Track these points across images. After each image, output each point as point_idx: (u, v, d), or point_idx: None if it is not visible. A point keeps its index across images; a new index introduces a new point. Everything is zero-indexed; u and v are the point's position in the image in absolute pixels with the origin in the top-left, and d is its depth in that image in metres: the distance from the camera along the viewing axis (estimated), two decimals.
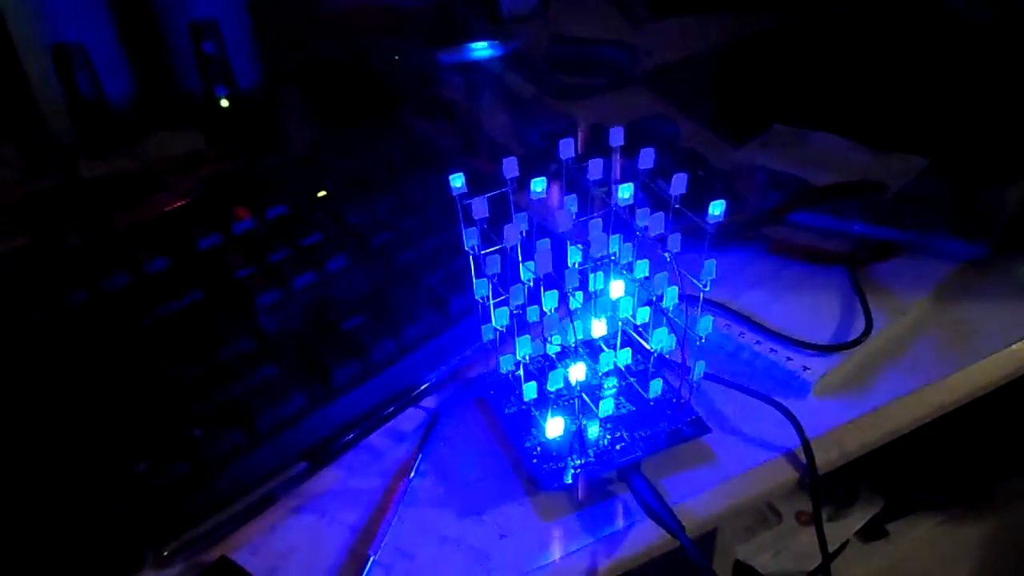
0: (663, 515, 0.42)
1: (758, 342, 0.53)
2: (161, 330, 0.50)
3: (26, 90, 0.70)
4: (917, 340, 0.54)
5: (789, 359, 0.52)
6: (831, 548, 0.70)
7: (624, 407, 0.47)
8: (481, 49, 0.87)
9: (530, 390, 0.44)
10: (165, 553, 0.41)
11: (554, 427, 0.42)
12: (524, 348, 0.44)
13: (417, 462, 0.47)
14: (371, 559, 0.41)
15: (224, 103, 0.72)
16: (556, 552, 0.42)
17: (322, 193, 0.61)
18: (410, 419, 0.50)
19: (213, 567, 0.41)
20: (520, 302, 0.42)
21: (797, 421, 0.47)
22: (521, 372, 0.46)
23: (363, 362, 0.49)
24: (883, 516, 0.76)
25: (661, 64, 0.86)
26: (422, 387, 0.50)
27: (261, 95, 0.75)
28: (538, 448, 0.45)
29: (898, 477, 0.76)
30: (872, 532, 0.73)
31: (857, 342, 0.52)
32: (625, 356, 0.48)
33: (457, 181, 0.41)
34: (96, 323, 0.50)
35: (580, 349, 0.44)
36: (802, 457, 0.47)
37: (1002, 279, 0.59)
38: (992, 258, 0.59)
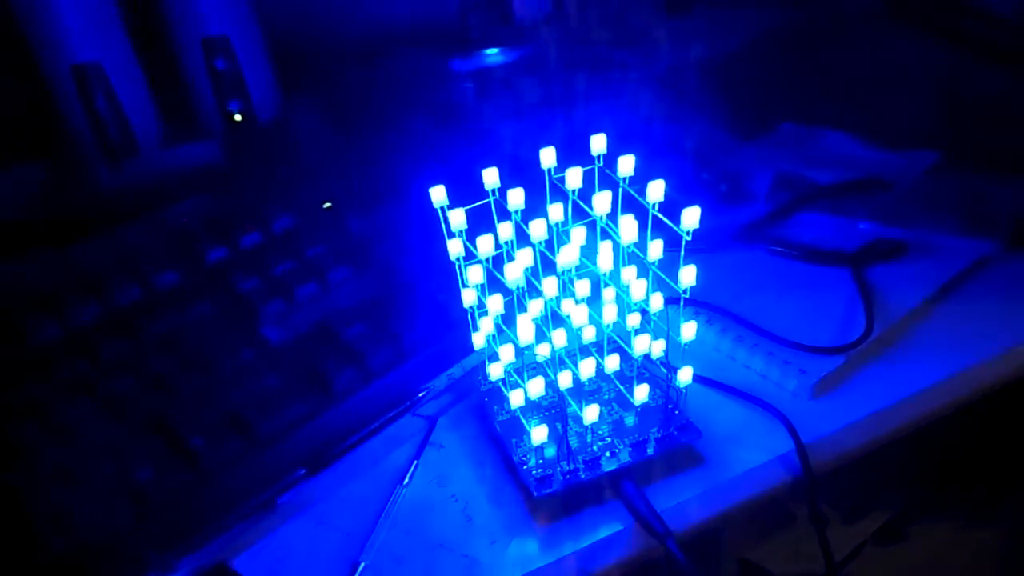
0: (650, 520, 0.43)
1: (755, 345, 0.53)
2: (167, 342, 0.52)
3: (50, 108, 0.73)
4: (922, 340, 0.54)
5: (786, 362, 0.51)
6: (845, 551, 0.69)
7: (615, 413, 0.47)
8: (493, 55, 0.88)
9: (516, 398, 0.45)
10: (166, 558, 0.43)
11: (538, 434, 0.43)
12: (508, 356, 0.44)
13: (412, 469, 0.47)
14: (362, 564, 0.42)
15: (237, 117, 0.73)
16: (545, 558, 0.43)
17: (327, 204, 0.62)
18: (408, 426, 0.50)
19: (211, 572, 0.42)
20: (499, 312, 0.42)
21: (790, 423, 0.47)
22: (509, 380, 0.46)
23: (362, 369, 0.50)
24: (901, 519, 0.75)
25: (675, 62, 0.86)
26: (420, 394, 0.51)
27: (275, 108, 0.77)
28: (528, 455, 0.45)
29: (916, 478, 0.75)
30: (889, 535, 0.72)
31: (856, 343, 0.52)
32: (613, 362, 0.48)
33: (438, 194, 0.42)
34: (106, 334, 0.52)
35: (563, 357, 0.44)
36: (798, 460, 0.47)
37: (1012, 277, 0.58)
38: (1002, 256, 0.58)
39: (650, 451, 0.45)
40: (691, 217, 0.39)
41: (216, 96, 0.74)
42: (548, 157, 0.44)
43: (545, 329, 0.42)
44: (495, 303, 0.42)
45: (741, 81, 0.78)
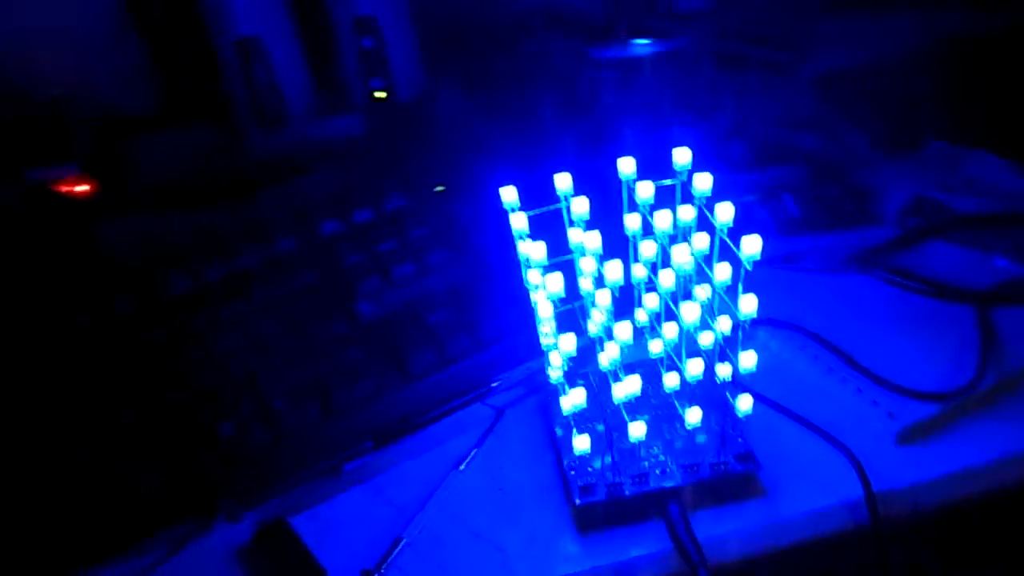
0: (687, 546, 0.42)
1: (845, 378, 0.50)
2: (270, 307, 0.56)
3: (218, 76, 0.79)
4: None
5: (875, 402, 0.48)
6: None
7: (673, 433, 0.46)
8: (641, 46, 0.86)
9: (567, 403, 0.44)
10: (235, 509, 0.47)
11: (581, 443, 0.43)
12: (565, 356, 0.44)
13: (470, 457, 0.49)
14: (403, 541, 0.44)
15: (379, 95, 0.77)
16: (573, 567, 0.43)
17: (440, 188, 0.64)
18: (477, 414, 0.52)
19: (270, 527, 0.46)
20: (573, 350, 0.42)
21: (862, 468, 0.44)
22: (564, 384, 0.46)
23: (440, 353, 0.52)
24: None
25: (831, 66, 0.81)
26: (493, 384, 0.53)
27: (417, 88, 0.79)
28: (578, 461, 0.46)
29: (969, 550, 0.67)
30: None
31: (959, 392, 0.48)
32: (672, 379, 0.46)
33: (510, 195, 0.42)
34: (223, 295, 0.57)
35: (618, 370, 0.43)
36: (865, 509, 0.44)
37: None
38: None
39: (702, 475, 0.44)
40: (753, 245, 0.37)
41: (361, 73, 0.77)
42: (628, 166, 0.43)
43: (603, 338, 0.42)
44: (545, 308, 0.42)
45: (896, 91, 0.72)
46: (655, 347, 0.47)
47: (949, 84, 0.72)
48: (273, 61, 0.77)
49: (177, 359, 0.53)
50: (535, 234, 0.43)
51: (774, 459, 0.46)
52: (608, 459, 0.45)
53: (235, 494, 0.47)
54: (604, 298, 0.40)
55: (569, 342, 0.42)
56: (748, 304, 0.39)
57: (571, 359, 0.44)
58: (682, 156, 0.43)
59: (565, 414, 0.44)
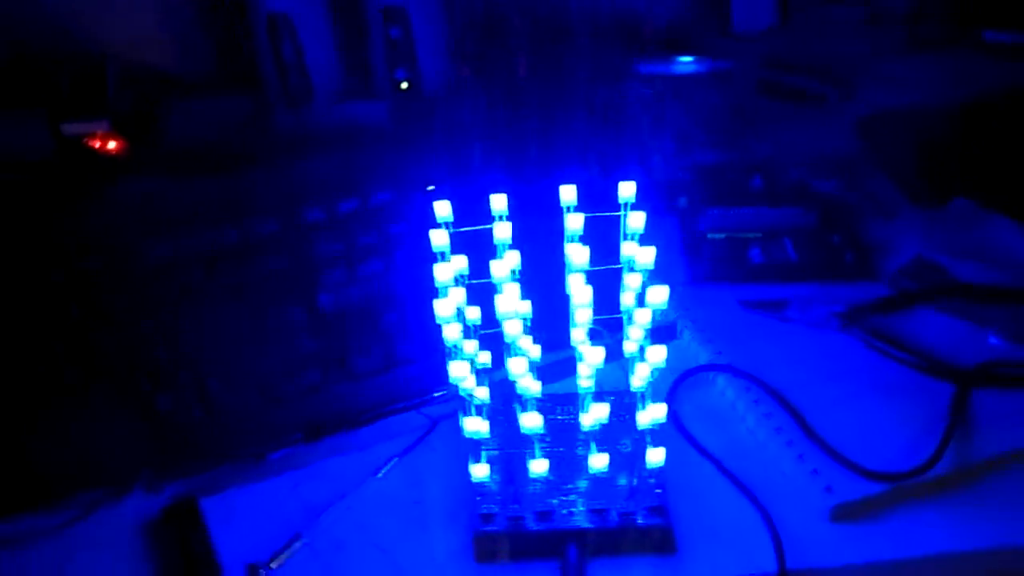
0: None
1: (791, 441, 0.47)
2: (236, 287, 0.56)
3: (252, 49, 0.80)
4: (991, 494, 0.45)
5: (815, 471, 0.45)
6: None
7: (593, 475, 0.44)
8: (684, 64, 0.83)
9: (470, 425, 0.43)
10: (156, 480, 0.47)
11: (478, 471, 0.42)
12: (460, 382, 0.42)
13: (390, 465, 0.48)
14: (301, 540, 0.44)
15: (403, 85, 0.77)
16: None
17: (431, 187, 0.63)
18: (413, 423, 0.51)
19: (180, 505, 0.46)
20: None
21: (780, 541, 0.42)
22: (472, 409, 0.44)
23: (387, 356, 0.52)
24: None
25: (875, 106, 0.76)
26: (436, 395, 0.52)
27: (441, 83, 0.79)
28: (488, 489, 0.44)
29: None
30: None
31: (907, 475, 0.44)
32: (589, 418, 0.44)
33: (443, 209, 0.41)
34: (195, 269, 0.57)
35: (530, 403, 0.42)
36: None
37: None
38: None
39: (608, 523, 0.42)
40: (658, 296, 0.35)
41: (387, 62, 0.77)
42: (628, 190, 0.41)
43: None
44: (452, 330, 0.40)
45: (936, 141, 0.68)
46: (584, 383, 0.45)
47: (991, 140, 0.67)
48: (302, 40, 0.78)
49: (134, 325, 0.53)
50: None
51: (694, 514, 0.44)
52: (512, 490, 0.43)
53: (158, 466, 0.48)
54: (514, 327, 0.39)
55: (462, 368, 0.40)
56: (656, 354, 0.37)
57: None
58: (627, 190, 0.41)
59: (466, 435, 0.43)
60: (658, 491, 0.44)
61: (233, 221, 0.60)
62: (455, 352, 0.40)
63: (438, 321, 0.39)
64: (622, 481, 0.44)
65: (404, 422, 0.51)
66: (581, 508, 0.43)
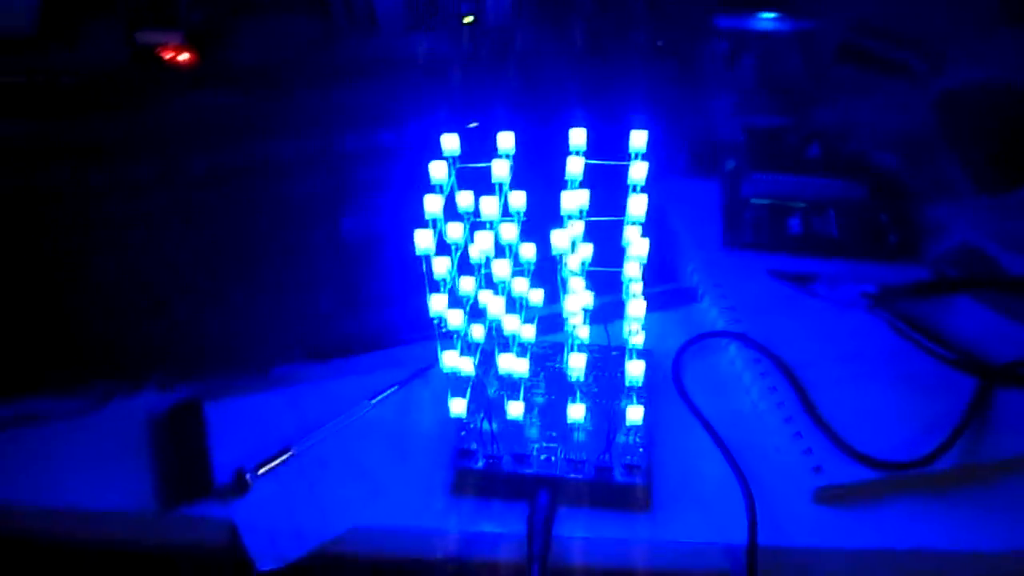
0: (536, 537, 0.40)
1: (790, 416, 0.46)
2: (267, 204, 0.57)
3: None
4: (997, 497, 0.42)
5: (808, 450, 0.44)
6: None
7: (576, 425, 0.44)
8: (765, 20, 0.80)
9: (448, 360, 0.42)
10: (166, 379, 0.50)
11: (456, 406, 0.42)
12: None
13: (387, 393, 0.49)
14: (289, 452, 0.46)
15: (467, 20, 0.76)
16: (434, 522, 0.42)
17: (474, 124, 0.63)
18: (421, 355, 0.51)
19: (185, 405, 0.48)
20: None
21: (755, 516, 0.41)
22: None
23: (400, 287, 0.52)
24: None
25: (960, 81, 0.71)
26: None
27: (505, 19, 0.78)
28: (471, 425, 0.45)
29: None
30: None
31: (906, 466, 0.42)
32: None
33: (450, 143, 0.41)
34: (233, 181, 0.59)
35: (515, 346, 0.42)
36: (743, 559, 0.41)
37: None
38: None
39: (584, 474, 0.42)
40: (640, 248, 0.34)
41: None
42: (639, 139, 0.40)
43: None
44: (441, 264, 0.40)
45: (1018, 122, 0.63)
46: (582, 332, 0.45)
47: None
48: None
49: (167, 229, 0.56)
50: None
51: (675, 476, 0.44)
52: (495, 429, 0.43)
53: (170, 367, 0.50)
54: (502, 267, 0.39)
55: (440, 301, 0.40)
56: (636, 308, 0.36)
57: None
58: (638, 139, 0.40)
59: (444, 371, 0.42)
60: (640, 450, 0.43)
61: (276, 140, 0.61)
62: (440, 285, 0.40)
63: (418, 253, 0.40)
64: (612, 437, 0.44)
65: (412, 354, 0.52)
66: (560, 457, 0.43)
